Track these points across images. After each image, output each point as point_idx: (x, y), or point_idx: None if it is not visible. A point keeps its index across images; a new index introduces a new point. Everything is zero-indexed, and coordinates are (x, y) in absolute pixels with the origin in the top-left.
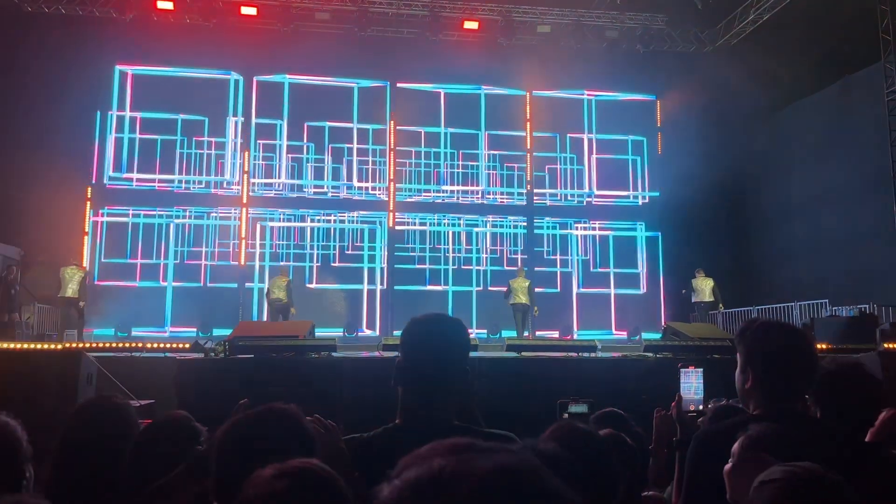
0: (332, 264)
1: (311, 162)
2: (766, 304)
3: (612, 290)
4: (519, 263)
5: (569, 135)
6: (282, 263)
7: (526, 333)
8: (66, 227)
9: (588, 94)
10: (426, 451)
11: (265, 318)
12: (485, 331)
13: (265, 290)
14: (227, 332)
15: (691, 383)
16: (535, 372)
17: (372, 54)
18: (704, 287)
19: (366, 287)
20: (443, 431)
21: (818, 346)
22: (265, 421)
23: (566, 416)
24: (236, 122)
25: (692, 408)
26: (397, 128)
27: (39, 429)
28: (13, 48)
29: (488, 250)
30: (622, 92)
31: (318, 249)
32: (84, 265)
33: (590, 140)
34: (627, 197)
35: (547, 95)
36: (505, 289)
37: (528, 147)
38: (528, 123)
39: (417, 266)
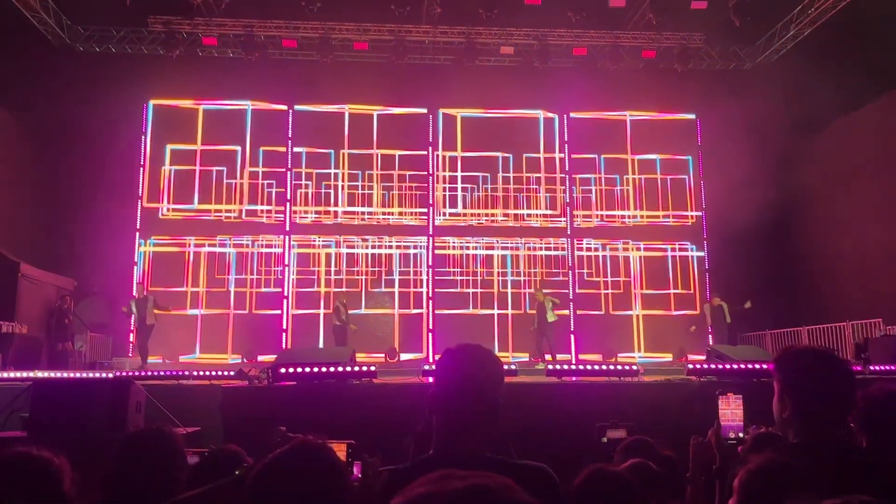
0: (373, 289)
1: (358, 190)
2: (816, 324)
3: (638, 311)
4: (538, 284)
5: (608, 155)
6: (340, 290)
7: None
8: (117, 258)
9: (627, 115)
10: (421, 479)
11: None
12: (526, 355)
13: (335, 313)
14: (272, 358)
15: (730, 410)
16: (576, 398)
17: (410, 82)
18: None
19: (396, 310)
20: (474, 463)
21: (874, 367)
22: (296, 459)
23: (604, 440)
24: (279, 151)
25: (732, 435)
26: (436, 153)
27: (90, 456)
28: (66, 86)
29: (528, 273)
30: (661, 112)
31: (361, 275)
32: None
33: (630, 160)
34: (670, 217)
35: (585, 117)
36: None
37: (567, 169)
38: (566, 145)
39: (460, 290)
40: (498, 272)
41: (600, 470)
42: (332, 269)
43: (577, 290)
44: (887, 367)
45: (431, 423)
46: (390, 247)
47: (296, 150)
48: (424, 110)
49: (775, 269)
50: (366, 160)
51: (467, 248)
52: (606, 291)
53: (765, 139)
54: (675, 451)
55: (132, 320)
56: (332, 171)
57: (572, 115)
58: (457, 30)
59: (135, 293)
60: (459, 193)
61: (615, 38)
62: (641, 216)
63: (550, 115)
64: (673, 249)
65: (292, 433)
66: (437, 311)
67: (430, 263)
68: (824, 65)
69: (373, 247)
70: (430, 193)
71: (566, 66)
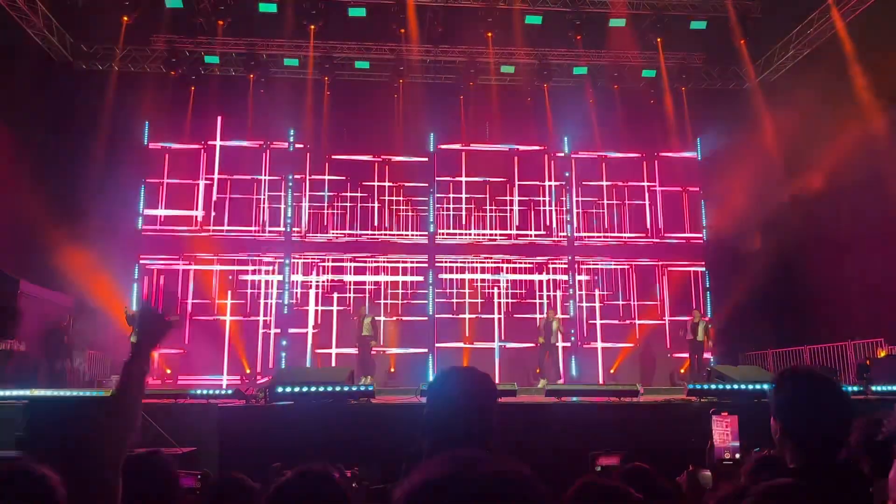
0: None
1: (355, 208)
2: (818, 343)
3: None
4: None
5: (608, 175)
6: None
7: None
8: (117, 275)
9: (626, 135)
10: (436, 461)
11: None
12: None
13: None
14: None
15: (725, 430)
16: (575, 418)
17: (410, 101)
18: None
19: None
20: None
21: (877, 387)
22: (301, 486)
23: (598, 468)
24: (280, 170)
25: (728, 455)
26: (437, 178)
27: (87, 476)
28: (68, 104)
29: (526, 289)
30: (662, 131)
31: (361, 294)
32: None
33: (630, 180)
34: (672, 236)
35: (586, 135)
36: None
37: (570, 189)
38: (570, 163)
39: (458, 315)
40: (501, 291)
41: (594, 483)
42: (328, 285)
43: (579, 306)
44: (889, 388)
45: (422, 445)
46: (396, 272)
47: (296, 168)
48: (426, 159)
49: (777, 288)
50: (366, 178)
51: (469, 268)
52: (607, 321)
53: (765, 158)
54: (673, 476)
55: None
56: (333, 179)
57: (573, 136)
58: (458, 49)
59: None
60: (460, 213)
61: (616, 57)
62: (640, 235)
63: (550, 137)
64: (674, 269)
65: (290, 454)
66: (438, 345)
67: (432, 286)
68: (823, 84)
69: (376, 269)
70: (431, 209)
71: (567, 85)
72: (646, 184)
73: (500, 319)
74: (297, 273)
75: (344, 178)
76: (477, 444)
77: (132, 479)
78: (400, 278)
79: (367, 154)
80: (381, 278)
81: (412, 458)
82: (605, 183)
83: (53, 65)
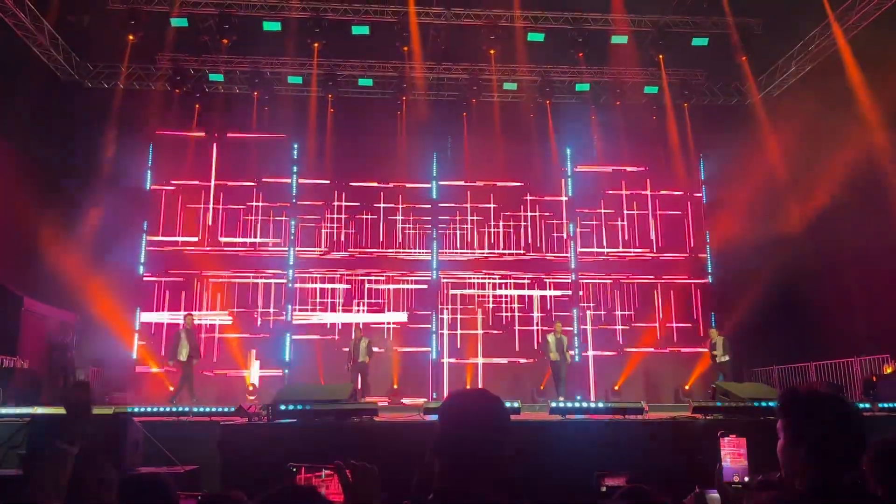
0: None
1: (355, 225)
2: (823, 359)
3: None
4: (553, 317)
5: (612, 192)
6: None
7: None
8: (121, 292)
9: (629, 151)
10: None
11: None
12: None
13: (352, 353)
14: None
15: (733, 452)
16: (580, 437)
17: (414, 118)
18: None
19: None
20: None
21: (884, 404)
22: (288, 500)
23: (603, 489)
24: (284, 185)
25: (736, 479)
26: (440, 203)
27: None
28: (73, 122)
29: (540, 311)
30: (664, 146)
31: (365, 308)
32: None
33: (635, 196)
34: (675, 252)
35: (588, 149)
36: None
37: (570, 205)
38: (569, 180)
39: (455, 331)
40: (504, 307)
41: None
42: (338, 301)
43: (582, 326)
44: None
45: (431, 465)
46: (396, 281)
47: (300, 182)
48: (428, 185)
49: (782, 304)
50: (370, 196)
51: (472, 285)
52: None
53: (769, 173)
54: (680, 497)
55: (183, 352)
56: (338, 202)
57: (575, 149)
58: (461, 66)
59: (184, 323)
60: (465, 231)
61: (618, 73)
62: (645, 251)
63: (552, 152)
64: (678, 284)
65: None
66: (448, 361)
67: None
68: (826, 99)
69: (376, 282)
70: (434, 228)
71: (569, 102)
72: (649, 194)
73: (482, 335)
74: (303, 292)
75: (334, 183)
76: (487, 468)
77: (133, 501)
78: (390, 317)
79: (370, 170)
80: (372, 317)
81: (424, 474)
82: (620, 192)
83: (59, 83)
